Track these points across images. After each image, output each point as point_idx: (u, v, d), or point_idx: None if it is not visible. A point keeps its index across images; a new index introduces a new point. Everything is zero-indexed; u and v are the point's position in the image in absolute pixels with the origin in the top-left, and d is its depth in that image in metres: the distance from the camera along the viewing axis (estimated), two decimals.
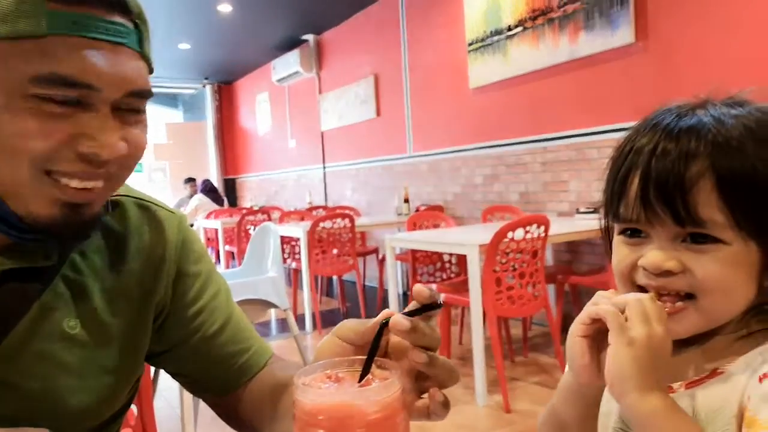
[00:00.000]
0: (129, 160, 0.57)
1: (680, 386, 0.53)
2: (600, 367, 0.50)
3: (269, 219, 5.62)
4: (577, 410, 0.57)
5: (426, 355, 0.49)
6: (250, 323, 0.77)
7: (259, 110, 8.12)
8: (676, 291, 0.51)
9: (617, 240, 0.56)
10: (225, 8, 5.55)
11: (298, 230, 4.10)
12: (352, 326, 0.53)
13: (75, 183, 0.54)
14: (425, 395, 0.51)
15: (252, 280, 2.57)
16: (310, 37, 6.48)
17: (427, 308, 0.48)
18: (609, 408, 0.59)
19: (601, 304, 0.51)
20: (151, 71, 0.59)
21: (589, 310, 0.52)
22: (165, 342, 0.71)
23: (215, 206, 6.85)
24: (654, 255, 0.51)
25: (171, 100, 9.35)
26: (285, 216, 5.18)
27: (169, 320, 0.70)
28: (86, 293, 0.63)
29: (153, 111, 8.83)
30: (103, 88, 0.52)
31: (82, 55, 0.51)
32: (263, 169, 8.24)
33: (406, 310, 0.49)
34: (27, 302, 0.60)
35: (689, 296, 0.51)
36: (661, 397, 0.46)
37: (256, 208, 6.37)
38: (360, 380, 0.45)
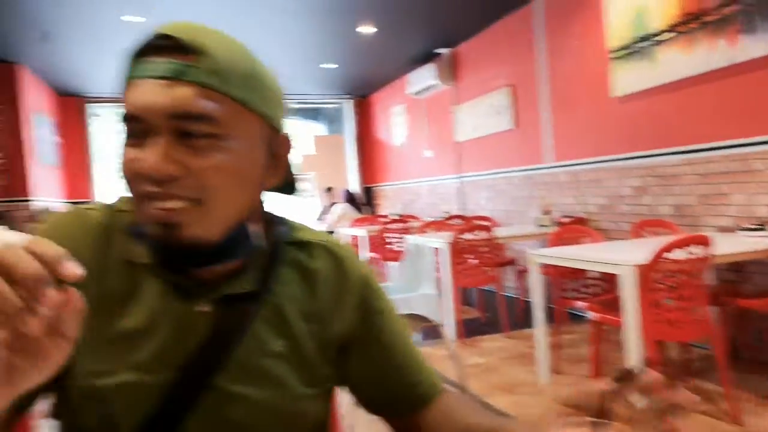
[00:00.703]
0: (195, 183, 0.62)
1: None
2: None
3: (406, 227, 5.87)
4: None
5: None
6: (420, 352, 0.84)
7: (394, 122, 8.45)
8: None
9: None
10: (367, 29, 5.87)
11: (439, 242, 4.24)
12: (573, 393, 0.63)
13: (155, 204, 0.62)
14: None
15: (408, 296, 2.77)
16: (444, 50, 6.64)
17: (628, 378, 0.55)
18: None
19: None
20: (235, 97, 0.63)
21: None
22: (350, 369, 0.79)
23: (358, 215, 7.25)
24: None
25: (314, 114, 10.17)
26: (424, 227, 5.36)
27: (356, 350, 0.78)
28: (287, 317, 0.73)
29: (300, 125, 9.60)
30: (145, 116, 0.60)
31: (129, 94, 0.62)
32: (398, 179, 8.55)
33: (610, 388, 0.54)
34: (246, 323, 0.70)
35: None
36: None
37: (394, 217, 6.65)
38: None
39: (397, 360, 0.79)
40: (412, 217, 6.93)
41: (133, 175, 0.62)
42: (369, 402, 0.82)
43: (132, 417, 0.66)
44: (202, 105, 0.60)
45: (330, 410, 0.80)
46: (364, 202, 8.36)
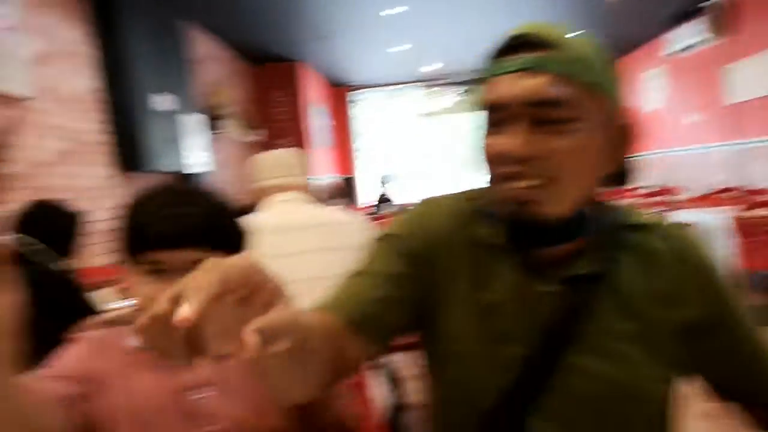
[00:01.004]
0: (550, 163, 0.66)
1: None
2: None
3: (667, 201, 5.45)
4: None
5: None
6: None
7: (648, 86, 7.80)
8: None
9: None
10: None
11: (717, 218, 3.87)
12: None
13: (512, 183, 0.67)
14: None
15: None
16: (713, 3, 5.88)
17: None
18: None
19: None
20: (587, 84, 0.67)
21: None
22: (703, 353, 0.76)
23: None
24: None
25: None
26: (695, 201, 4.92)
27: (707, 334, 0.75)
28: (632, 298, 0.73)
29: None
30: (506, 105, 0.67)
31: (490, 88, 0.70)
32: (654, 148, 7.90)
33: None
34: (592, 303, 0.72)
35: None
36: None
37: (648, 191, 6.22)
38: None
39: (750, 345, 0.76)
40: (671, 189, 6.38)
41: (494, 157, 0.69)
42: (724, 388, 0.79)
43: (489, 385, 0.72)
44: (557, 91, 0.66)
45: (675, 396, 0.78)
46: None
